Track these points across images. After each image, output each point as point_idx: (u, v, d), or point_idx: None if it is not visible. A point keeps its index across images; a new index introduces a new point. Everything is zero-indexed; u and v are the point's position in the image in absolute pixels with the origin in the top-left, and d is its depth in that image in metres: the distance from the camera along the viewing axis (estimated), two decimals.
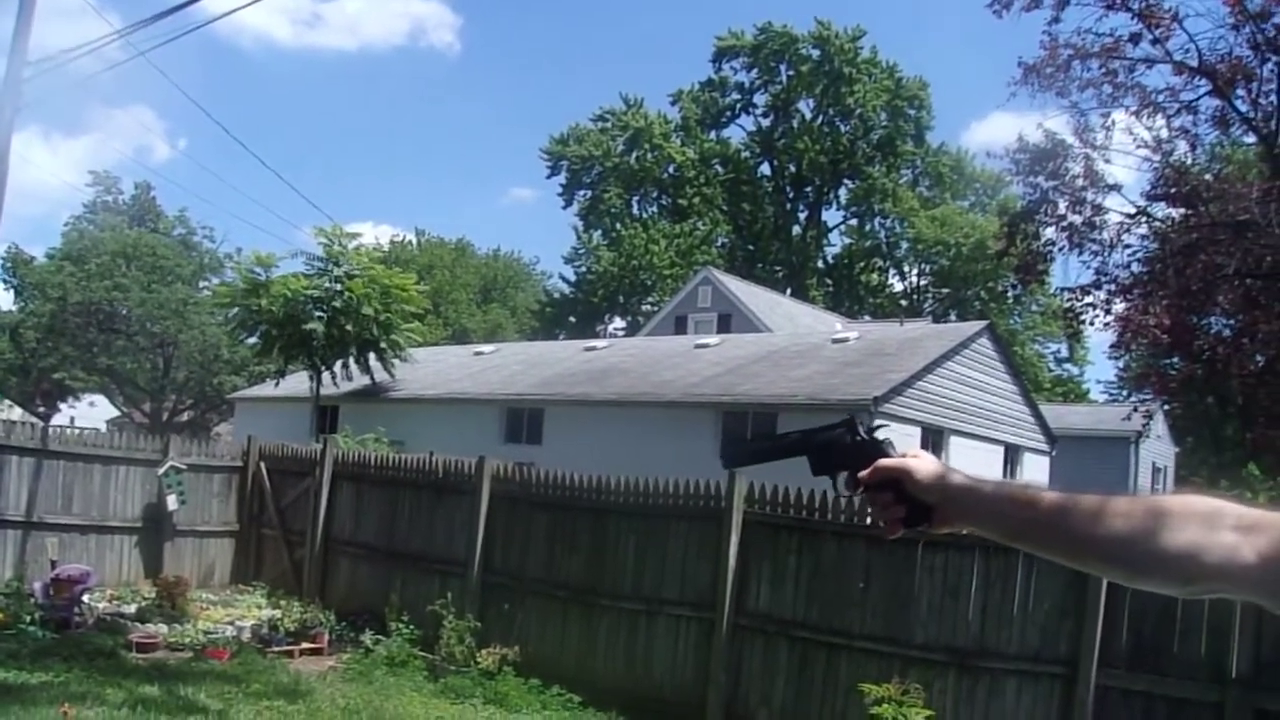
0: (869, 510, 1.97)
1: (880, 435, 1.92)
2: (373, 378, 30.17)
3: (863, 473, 1.85)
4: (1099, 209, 18.96)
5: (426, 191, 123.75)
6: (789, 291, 57.51)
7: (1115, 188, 18.97)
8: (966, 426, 26.76)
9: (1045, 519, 1.69)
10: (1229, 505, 1.58)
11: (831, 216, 71.48)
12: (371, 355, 29.35)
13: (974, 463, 26.36)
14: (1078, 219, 18.93)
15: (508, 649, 11.19)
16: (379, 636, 12.26)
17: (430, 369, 33.73)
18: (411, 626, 12.00)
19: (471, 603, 11.95)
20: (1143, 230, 19.25)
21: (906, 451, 1.86)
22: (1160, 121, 18.39)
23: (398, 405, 30.42)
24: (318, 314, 27.18)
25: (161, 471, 14.79)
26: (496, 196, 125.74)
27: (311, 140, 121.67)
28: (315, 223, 30.83)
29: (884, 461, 1.83)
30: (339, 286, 27.69)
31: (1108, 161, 18.84)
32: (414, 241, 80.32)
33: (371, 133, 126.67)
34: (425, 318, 38.99)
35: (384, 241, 73.73)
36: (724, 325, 38.77)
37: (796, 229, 69.81)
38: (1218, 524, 1.54)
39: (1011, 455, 29.91)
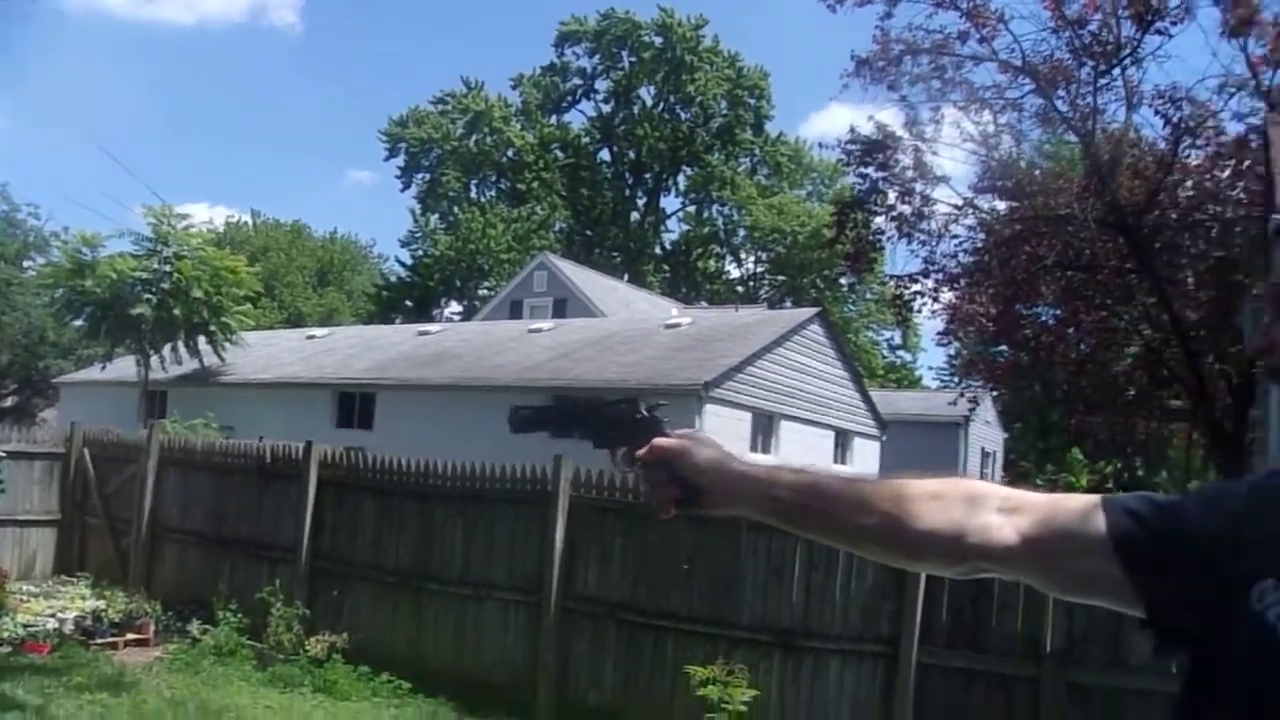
0: (644, 488, 2.00)
1: (660, 415, 1.96)
2: (202, 362, 29.63)
3: (640, 450, 1.90)
4: (927, 200, 19.53)
5: (265, 173, 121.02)
6: (626, 277, 57.71)
7: (943, 180, 19.58)
8: (797, 411, 27.32)
9: (816, 505, 1.74)
10: (994, 487, 1.68)
11: (670, 203, 72.03)
12: (201, 339, 28.80)
13: (805, 447, 26.99)
14: (907, 209, 19.46)
15: (337, 636, 11.11)
16: (207, 626, 12.02)
17: (262, 353, 33.20)
18: (240, 615, 11.75)
19: (300, 589, 11.82)
20: (970, 221, 19.88)
21: (685, 433, 1.90)
22: (987, 117, 19.02)
23: (228, 390, 29.92)
24: (146, 296, 26.56)
25: None
26: (336, 179, 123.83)
27: (145, 117, 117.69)
28: (147, 202, 30.03)
29: (659, 440, 1.87)
30: (168, 268, 27.11)
31: (935, 154, 19.42)
32: (249, 223, 78.73)
33: (209, 112, 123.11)
34: (258, 301, 38.35)
35: (219, 223, 72.13)
36: (560, 310, 38.85)
37: (635, 215, 70.09)
38: (982, 505, 1.63)
39: (842, 440, 30.61)
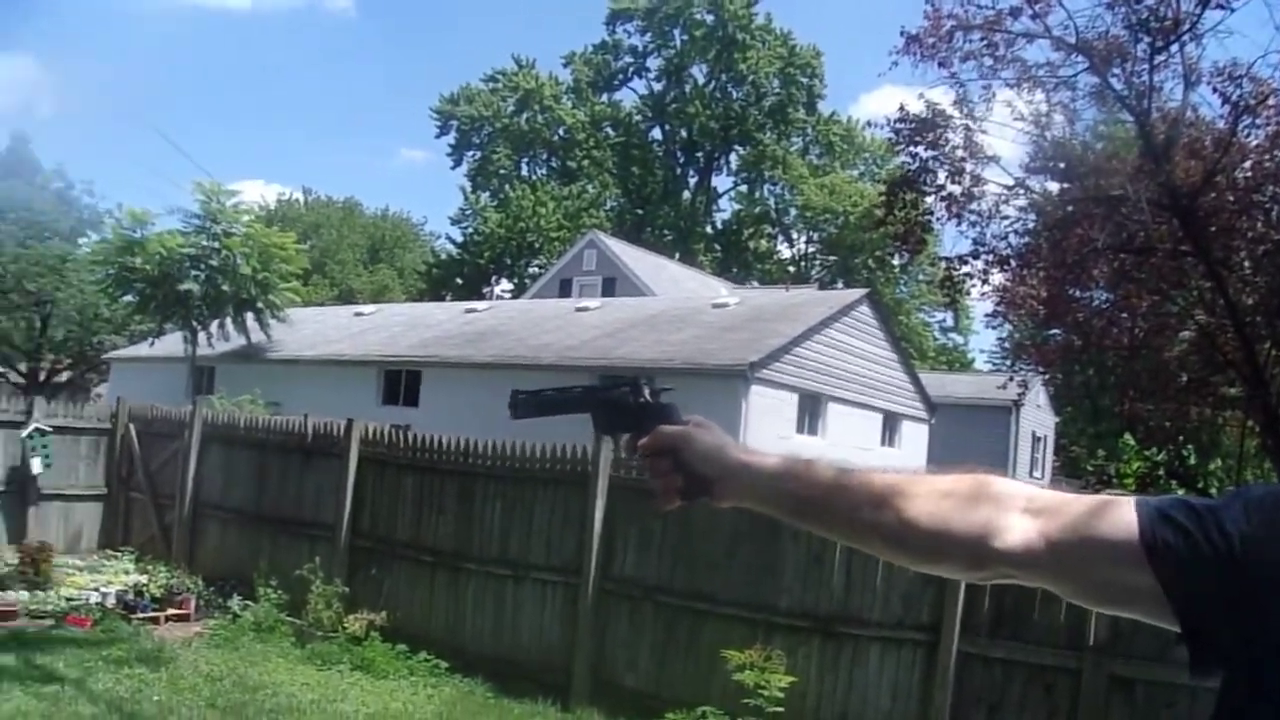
0: (648, 477, 1.85)
1: (666, 399, 1.85)
2: (249, 338, 29.86)
3: (643, 439, 1.79)
4: (978, 180, 19.15)
5: (318, 151, 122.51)
6: (677, 256, 57.57)
7: (994, 160, 19.20)
8: (844, 393, 27.09)
9: (825, 499, 1.63)
10: (1021, 487, 1.54)
11: (721, 182, 71.80)
12: (249, 315, 29.00)
13: (852, 430, 26.79)
14: (957, 189, 19.11)
15: (375, 614, 11.12)
16: (247, 602, 12.09)
17: (309, 329, 33.39)
18: (280, 592, 11.81)
19: (340, 567, 11.85)
20: (1021, 202, 19.55)
21: (691, 419, 1.78)
22: (1039, 96, 18.66)
23: (275, 366, 30.06)
24: (194, 272, 26.79)
25: (25, 434, 14.44)
26: (388, 157, 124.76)
27: (201, 98, 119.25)
28: (198, 179, 30.22)
29: (663, 428, 1.76)
30: (216, 245, 27.31)
31: (986, 133, 19.07)
32: (301, 200, 79.20)
33: (264, 93, 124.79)
34: (307, 278, 38.58)
35: (271, 200, 72.58)
36: (609, 289, 38.73)
37: (686, 194, 69.90)
38: (1008, 506, 1.50)
39: (890, 423, 30.36)
